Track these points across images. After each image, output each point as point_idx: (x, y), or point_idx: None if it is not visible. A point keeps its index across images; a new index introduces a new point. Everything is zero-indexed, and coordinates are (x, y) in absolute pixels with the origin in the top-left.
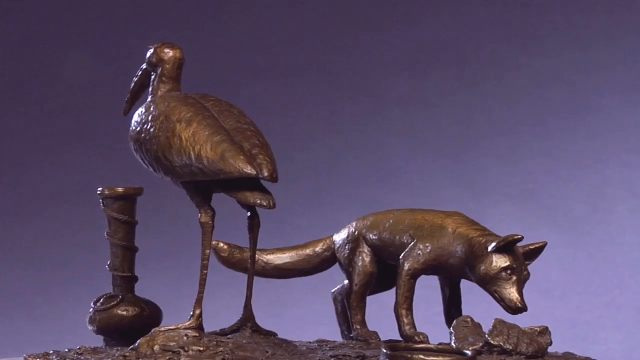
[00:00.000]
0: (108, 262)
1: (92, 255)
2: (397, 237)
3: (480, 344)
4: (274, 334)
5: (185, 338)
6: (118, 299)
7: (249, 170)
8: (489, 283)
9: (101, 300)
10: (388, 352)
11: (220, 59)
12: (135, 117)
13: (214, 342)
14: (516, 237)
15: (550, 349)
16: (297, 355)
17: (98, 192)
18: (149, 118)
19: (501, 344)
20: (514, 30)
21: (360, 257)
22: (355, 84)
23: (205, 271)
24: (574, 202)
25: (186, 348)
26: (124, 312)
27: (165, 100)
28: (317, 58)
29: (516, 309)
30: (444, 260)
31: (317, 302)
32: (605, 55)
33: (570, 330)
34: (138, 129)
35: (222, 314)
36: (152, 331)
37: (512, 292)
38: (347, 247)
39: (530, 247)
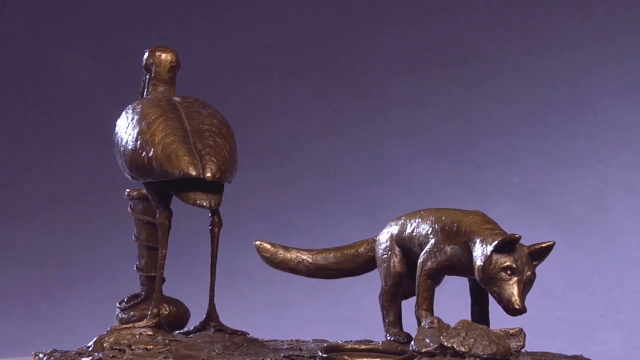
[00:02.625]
0: (136, 263)
1: (92, 255)
2: (419, 237)
3: (435, 346)
4: (243, 333)
5: (137, 336)
6: (139, 298)
7: (190, 170)
8: (490, 283)
9: (125, 299)
10: (321, 354)
11: (220, 59)
12: (117, 120)
13: (166, 341)
14: (513, 236)
15: (550, 350)
16: (249, 355)
17: (125, 193)
18: (123, 121)
19: (454, 345)
20: (514, 30)
21: (391, 258)
22: (355, 84)
23: (161, 271)
24: (574, 202)
25: (133, 346)
26: (144, 311)
27: (141, 102)
28: (317, 58)
29: (514, 310)
30: (457, 261)
31: (317, 302)
32: (605, 55)
33: (570, 330)
34: (115, 131)
35: (220, 313)
36: (109, 329)
37: (511, 293)
38: (381, 247)
39: (536, 247)
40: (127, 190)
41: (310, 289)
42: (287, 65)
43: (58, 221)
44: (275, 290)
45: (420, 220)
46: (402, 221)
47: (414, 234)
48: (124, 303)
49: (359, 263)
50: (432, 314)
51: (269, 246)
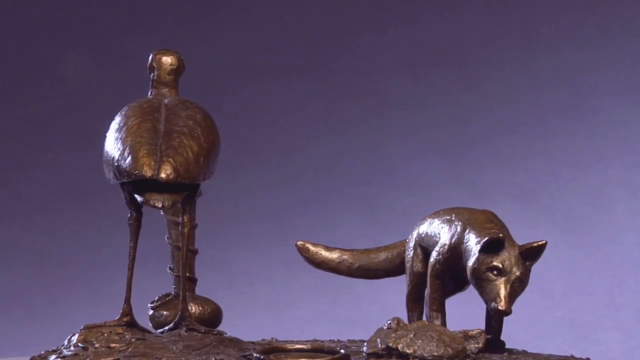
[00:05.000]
0: (169, 264)
1: (92, 255)
2: (433, 237)
3: (382, 347)
4: (219, 333)
5: (105, 335)
6: (169, 297)
7: (144, 171)
8: (477, 284)
9: (156, 299)
10: (256, 355)
11: (220, 59)
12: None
13: (132, 340)
14: (497, 236)
15: (549, 350)
16: (209, 354)
17: None
18: (112, 124)
19: (399, 347)
20: (514, 30)
21: (413, 258)
22: (355, 84)
23: (129, 273)
24: (574, 202)
25: (97, 344)
26: (174, 310)
27: (129, 105)
28: (317, 58)
29: (498, 311)
30: (459, 261)
31: (317, 302)
32: (605, 55)
33: (570, 330)
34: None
35: (223, 314)
36: (82, 327)
37: (496, 294)
38: (407, 247)
39: (527, 246)
40: None
41: (310, 289)
42: (287, 65)
43: (58, 221)
44: (275, 290)
45: (436, 219)
46: (425, 221)
47: (430, 233)
48: (155, 302)
49: (396, 264)
50: (442, 314)
51: (310, 246)
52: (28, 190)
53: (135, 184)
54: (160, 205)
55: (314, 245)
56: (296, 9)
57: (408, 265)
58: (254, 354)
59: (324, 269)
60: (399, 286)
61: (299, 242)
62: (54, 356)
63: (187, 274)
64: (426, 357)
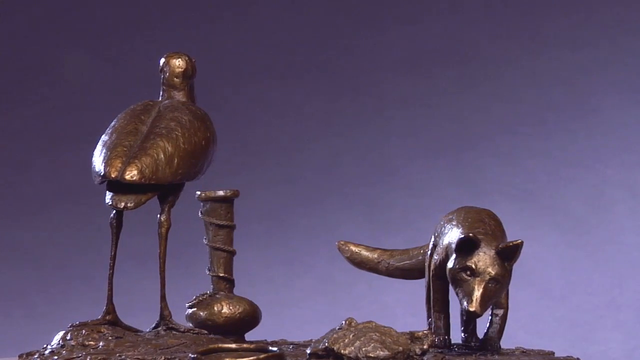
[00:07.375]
0: (208, 266)
1: (92, 255)
2: (440, 237)
3: (322, 347)
4: (201, 332)
5: (86, 334)
6: (203, 297)
7: (108, 173)
8: (453, 284)
9: (193, 298)
10: (191, 355)
11: (220, 59)
12: None
13: (109, 338)
14: (468, 236)
15: (551, 350)
16: (168, 354)
17: (196, 195)
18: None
19: (334, 347)
20: (514, 30)
21: (429, 259)
22: (355, 84)
23: (110, 271)
24: (574, 202)
25: (73, 342)
26: (207, 309)
27: (126, 108)
28: (317, 58)
29: (467, 312)
30: None
31: (317, 302)
32: (605, 55)
33: (570, 330)
34: None
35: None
36: (69, 325)
37: (468, 295)
38: (429, 248)
39: (501, 246)
40: (197, 192)
41: (310, 289)
42: (287, 65)
43: (58, 221)
44: (275, 290)
45: (444, 219)
46: (440, 221)
47: (440, 233)
48: (191, 302)
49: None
50: (445, 314)
51: (351, 246)
52: (28, 190)
53: (110, 184)
54: (122, 206)
55: (356, 245)
56: (296, 9)
57: (425, 265)
58: (190, 355)
59: (363, 268)
60: (399, 286)
61: (340, 242)
62: (37, 354)
63: (224, 275)
64: (360, 359)
